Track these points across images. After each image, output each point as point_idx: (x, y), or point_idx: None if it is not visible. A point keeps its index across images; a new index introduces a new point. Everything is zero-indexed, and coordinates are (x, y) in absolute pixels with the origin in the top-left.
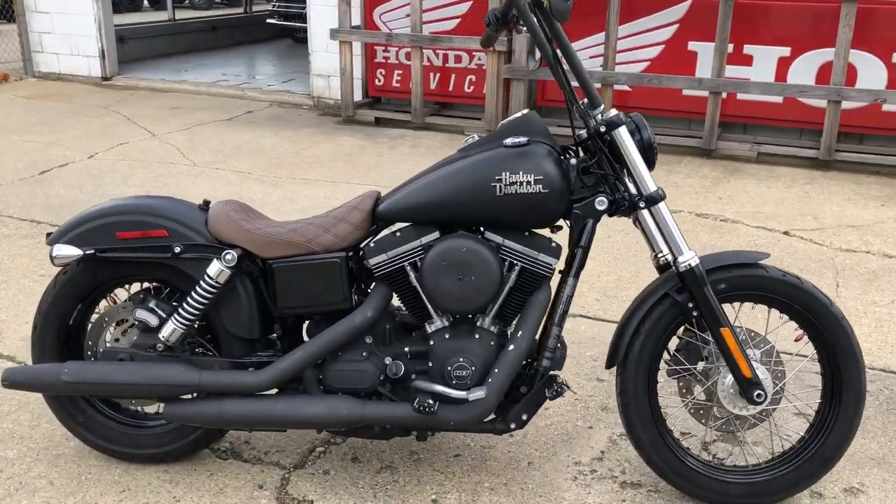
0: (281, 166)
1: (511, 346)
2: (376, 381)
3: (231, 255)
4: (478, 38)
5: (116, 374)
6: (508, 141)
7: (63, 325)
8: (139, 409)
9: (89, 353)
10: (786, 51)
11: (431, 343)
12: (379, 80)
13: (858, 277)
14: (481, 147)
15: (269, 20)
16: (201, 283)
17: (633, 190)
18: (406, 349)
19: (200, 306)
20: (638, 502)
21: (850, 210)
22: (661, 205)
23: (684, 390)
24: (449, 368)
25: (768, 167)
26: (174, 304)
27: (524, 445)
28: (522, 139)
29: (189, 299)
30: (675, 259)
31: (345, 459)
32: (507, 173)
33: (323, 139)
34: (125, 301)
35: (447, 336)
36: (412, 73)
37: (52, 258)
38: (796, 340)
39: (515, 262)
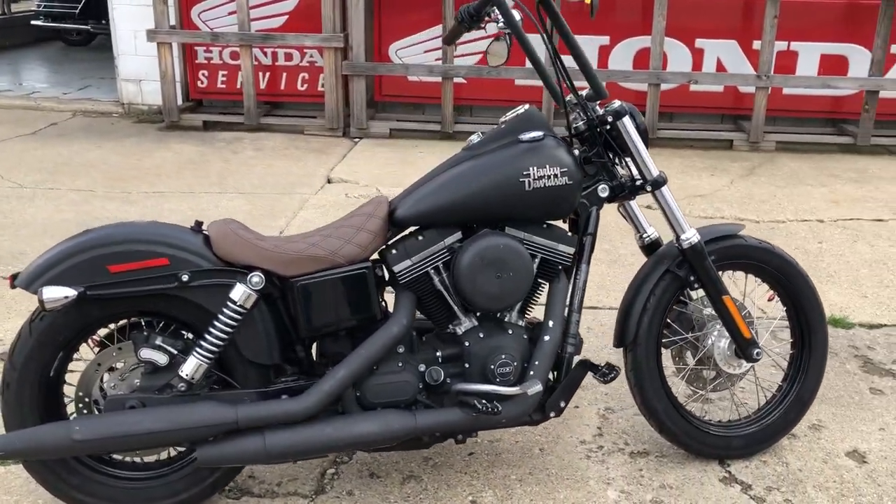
0: (123, 180)
1: (546, 337)
2: (416, 390)
3: (258, 278)
4: (312, 35)
5: (142, 424)
6: (525, 136)
7: (43, 378)
8: (138, 459)
9: (80, 405)
10: (605, 39)
11: (467, 344)
12: (202, 82)
13: None
14: (492, 144)
15: (34, 21)
16: (225, 310)
17: (635, 175)
18: (438, 354)
19: (226, 335)
20: (652, 468)
21: (689, 181)
22: (665, 187)
23: (677, 358)
24: (492, 367)
25: None
26: (185, 338)
27: (528, 434)
28: (538, 133)
29: (213, 329)
30: (678, 237)
31: (363, 477)
32: (535, 168)
33: (154, 148)
34: (120, 343)
35: (481, 335)
36: (242, 73)
37: (42, 303)
38: (769, 300)
39: (536, 254)
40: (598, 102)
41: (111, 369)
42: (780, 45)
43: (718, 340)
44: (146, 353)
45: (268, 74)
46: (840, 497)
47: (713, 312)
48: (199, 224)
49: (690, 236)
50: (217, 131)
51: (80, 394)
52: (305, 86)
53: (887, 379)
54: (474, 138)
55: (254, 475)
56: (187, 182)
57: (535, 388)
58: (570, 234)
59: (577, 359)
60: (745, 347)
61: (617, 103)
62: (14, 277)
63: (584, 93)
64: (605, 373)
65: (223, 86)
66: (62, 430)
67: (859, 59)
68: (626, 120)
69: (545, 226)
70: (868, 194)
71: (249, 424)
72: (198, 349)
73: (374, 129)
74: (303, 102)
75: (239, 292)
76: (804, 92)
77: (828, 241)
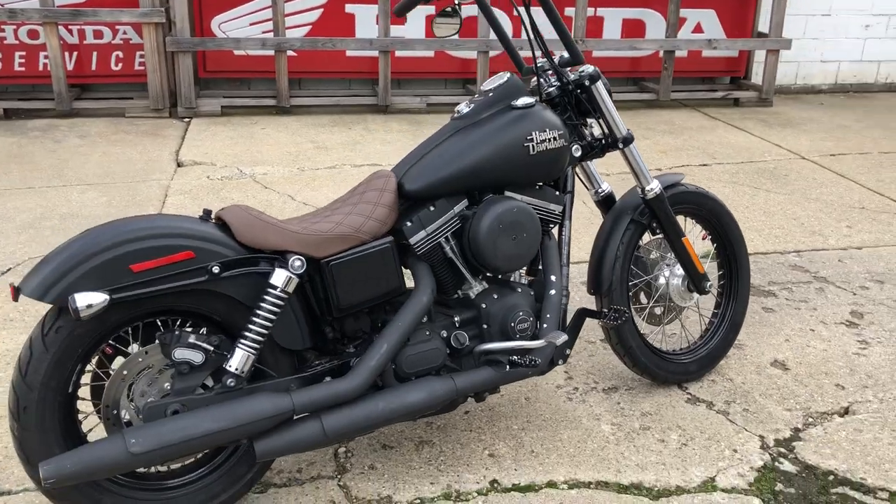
0: None
1: (552, 291)
2: (444, 356)
3: (300, 262)
4: (129, 10)
5: (201, 426)
6: (519, 102)
7: (63, 396)
8: (164, 468)
9: (108, 419)
10: (432, 9)
11: (483, 306)
12: None
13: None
14: (485, 112)
15: None
16: (267, 297)
17: (605, 134)
18: (456, 319)
19: (270, 323)
20: (627, 400)
21: None
22: (633, 144)
23: (634, 299)
24: (512, 324)
25: (442, 115)
26: (216, 333)
27: (508, 387)
28: (531, 100)
29: (256, 318)
30: (643, 188)
31: (377, 450)
32: (537, 132)
33: None
34: (147, 347)
35: (496, 297)
36: (50, 53)
37: (76, 312)
38: (703, 239)
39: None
40: (569, 68)
41: (138, 376)
42: (588, 12)
43: (672, 278)
44: (181, 353)
45: (75, 54)
46: (783, 400)
47: (659, 255)
48: (207, 213)
49: (654, 186)
50: (23, 119)
51: (107, 406)
52: (120, 65)
53: (770, 298)
54: (463, 108)
55: (271, 467)
56: (20, 177)
57: (562, 338)
58: (557, 193)
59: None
60: (698, 281)
61: (591, 68)
62: (16, 288)
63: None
64: (615, 317)
65: (21, 69)
66: (117, 444)
67: (655, 22)
68: (600, 83)
69: (537, 187)
70: (685, 143)
71: (305, 410)
72: (243, 341)
73: (203, 107)
74: (117, 83)
75: (281, 277)
76: (611, 54)
77: None
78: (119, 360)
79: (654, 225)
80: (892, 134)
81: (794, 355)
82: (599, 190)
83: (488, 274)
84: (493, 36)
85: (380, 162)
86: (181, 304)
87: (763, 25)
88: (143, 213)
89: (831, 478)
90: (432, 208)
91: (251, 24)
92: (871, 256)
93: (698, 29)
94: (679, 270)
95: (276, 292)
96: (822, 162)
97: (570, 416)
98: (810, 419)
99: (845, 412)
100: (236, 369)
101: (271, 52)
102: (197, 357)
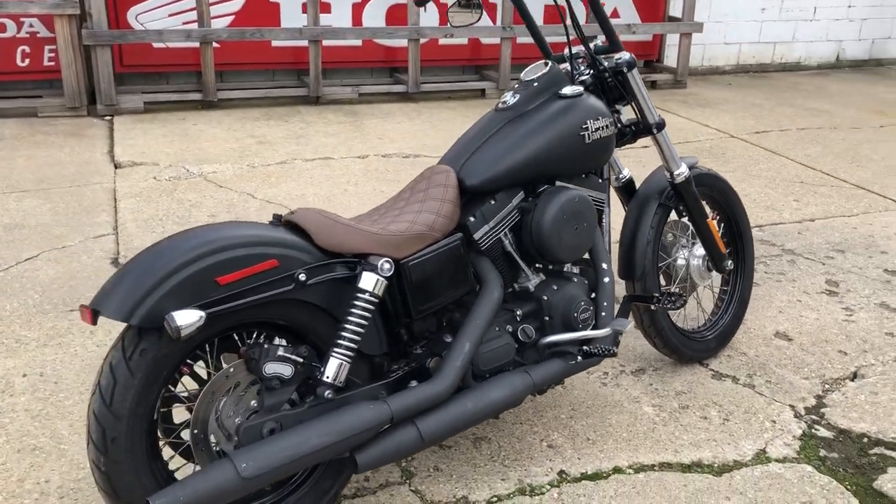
0: None
1: (606, 279)
2: (514, 351)
3: (389, 264)
4: (39, 1)
5: (308, 442)
6: (567, 91)
7: (149, 423)
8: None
9: (196, 444)
10: None
11: (545, 298)
12: None
13: None
14: (534, 102)
15: None
16: (356, 302)
17: (637, 120)
18: (517, 312)
19: (362, 329)
20: (658, 381)
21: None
22: (665, 130)
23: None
24: (574, 315)
25: (374, 105)
26: (302, 345)
27: None
28: (578, 88)
29: (347, 325)
30: (672, 172)
31: (436, 451)
32: (591, 121)
33: None
34: (232, 364)
35: (555, 288)
36: None
37: (176, 331)
38: (712, 220)
39: None
40: (602, 55)
41: (225, 396)
42: None
43: (692, 259)
44: (272, 368)
45: None
46: (797, 369)
47: (676, 237)
48: (278, 217)
49: (684, 170)
50: None
51: (195, 430)
52: (27, 61)
53: None
54: (509, 99)
55: None
56: None
57: (628, 324)
58: (601, 181)
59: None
60: (719, 261)
61: (627, 55)
62: (93, 310)
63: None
64: (674, 300)
65: None
66: (227, 470)
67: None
68: (636, 70)
69: (584, 176)
70: None
71: (403, 417)
72: (336, 349)
73: (125, 104)
74: (24, 80)
75: (371, 281)
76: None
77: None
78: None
79: (681, 208)
80: (801, 111)
81: (792, 326)
82: (620, 175)
83: (542, 266)
84: (424, 23)
85: (331, 155)
86: (262, 316)
87: (674, 10)
88: (97, 218)
89: (865, 440)
90: (493, 202)
91: (170, 15)
92: (825, 228)
93: (615, 14)
94: (698, 251)
95: (367, 297)
96: (751, 140)
97: (611, 401)
98: (827, 386)
99: (854, 376)
100: (331, 379)
101: (196, 45)
102: (287, 371)
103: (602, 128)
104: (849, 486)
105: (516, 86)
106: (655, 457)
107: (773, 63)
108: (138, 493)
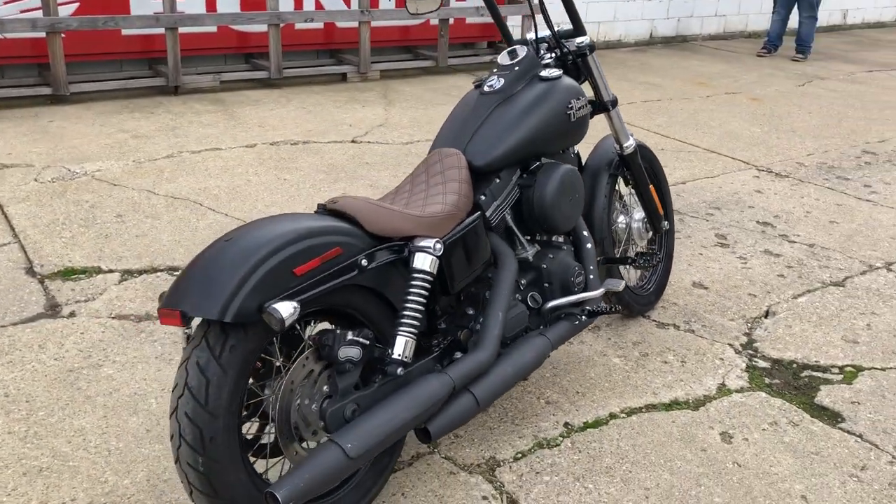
0: None
1: (588, 245)
2: (527, 318)
3: (440, 244)
4: None
5: (397, 417)
6: (546, 74)
7: (239, 418)
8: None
9: (282, 433)
10: None
11: (545, 267)
12: None
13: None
14: (519, 85)
15: None
16: (414, 282)
17: (595, 98)
18: (521, 282)
19: (422, 306)
20: (614, 335)
21: (341, 115)
22: (618, 107)
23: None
24: (571, 279)
25: (238, 93)
26: (363, 327)
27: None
28: (557, 71)
29: (408, 304)
30: (622, 144)
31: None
32: (574, 100)
33: None
34: (304, 354)
35: (551, 257)
36: None
37: (280, 323)
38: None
39: None
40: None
41: (302, 384)
42: None
43: (633, 223)
44: (345, 352)
45: None
46: (722, 313)
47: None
48: (323, 207)
49: (632, 143)
50: None
51: (282, 420)
52: None
53: None
54: (494, 82)
55: None
56: None
57: (621, 284)
58: (573, 154)
59: None
60: (658, 222)
61: (588, 39)
62: (182, 312)
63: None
64: (648, 258)
65: None
66: (335, 452)
67: None
68: (594, 53)
69: (561, 152)
70: None
71: (461, 386)
72: (401, 328)
73: None
74: None
75: (426, 261)
76: (385, 23)
77: None
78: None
79: (628, 176)
80: (637, 85)
81: (703, 276)
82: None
83: (537, 238)
84: (283, 7)
85: (217, 146)
86: (326, 303)
87: None
88: None
89: (795, 366)
90: (498, 180)
91: (6, 3)
92: (696, 189)
93: None
94: (637, 214)
95: (424, 276)
96: None
97: (584, 357)
98: (750, 325)
99: (767, 314)
100: (401, 356)
101: (42, 35)
102: (356, 354)
103: (582, 106)
104: (798, 405)
105: (495, 70)
106: (640, 400)
107: (599, 41)
108: (237, 489)
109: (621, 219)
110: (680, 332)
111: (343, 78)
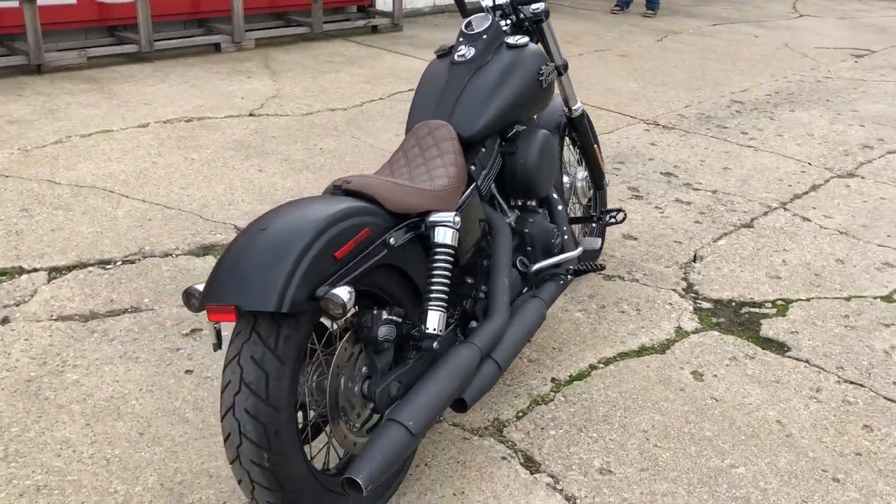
0: None
1: (559, 207)
2: (521, 281)
3: (458, 217)
4: None
5: (445, 390)
6: (513, 41)
7: (295, 409)
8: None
9: (333, 419)
10: None
11: (527, 231)
12: None
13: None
14: (489, 54)
15: None
16: (438, 256)
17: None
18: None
19: (448, 280)
20: (567, 290)
21: (228, 87)
22: (567, 71)
23: None
24: (553, 241)
25: (109, 69)
26: (392, 305)
27: None
28: (524, 38)
29: (435, 279)
30: (570, 108)
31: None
32: (543, 66)
33: None
34: (346, 338)
35: (531, 221)
36: None
37: (342, 307)
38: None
39: None
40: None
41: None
42: None
43: (576, 181)
44: (383, 332)
45: None
46: (657, 261)
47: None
48: (338, 188)
49: (580, 106)
50: None
51: (334, 405)
52: None
53: None
54: (465, 52)
55: None
56: None
57: (597, 242)
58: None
59: None
60: (600, 180)
61: (543, 5)
62: (236, 307)
63: None
64: (615, 215)
65: None
66: (399, 431)
67: None
68: (549, 19)
69: (529, 119)
70: (376, 71)
71: (486, 352)
72: (431, 303)
73: None
74: None
75: (448, 235)
76: None
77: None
78: None
79: (575, 137)
80: None
81: (630, 228)
82: None
83: (517, 204)
84: None
85: (108, 128)
86: (365, 281)
87: None
88: None
89: (734, 304)
90: (483, 149)
91: None
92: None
93: None
94: (580, 174)
95: (447, 250)
96: None
97: (549, 314)
98: (684, 270)
99: (695, 258)
100: (436, 330)
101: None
102: (392, 333)
103: (550, 72)
104: (747, 339)
105: (461, 39)
106: (612, 350)
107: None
108: (301, 480)
109: (565, 178)
110: (626, 283)
111: (217, 48)
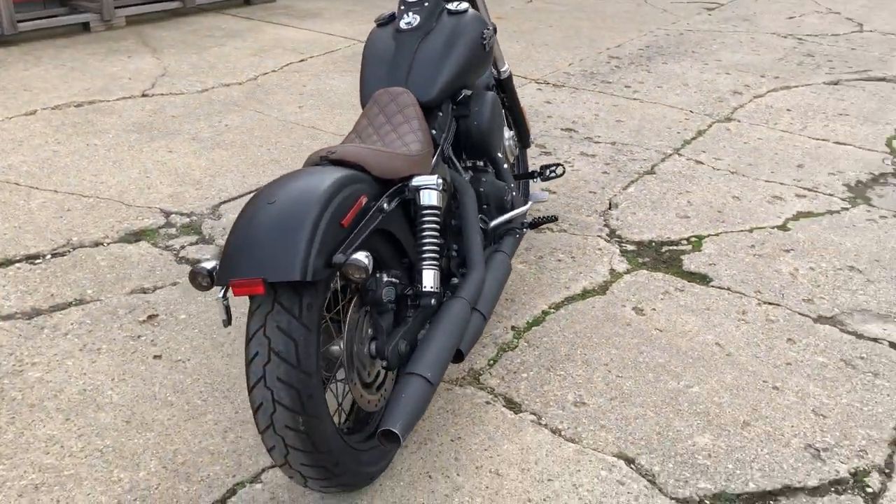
0: None
1: (505, 165)
2: (484, 237)
3: (440, 179)
4: None
5: (449, 342)
6: (454, 7)
7: (321, 372)
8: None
9: (352, 381)
10: None
11: (482, 190)
12: None
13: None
14: (432, 21)
15: None
16: (426, 218)
17: None
18: None
19: (437, 239)
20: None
21: (134, 65)
22: (496, 34)
23: None
24: (506, 198)
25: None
26: (390, 268)
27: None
28: (465, 4)
29: (425, 239)
30: (499, 70)
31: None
32: (485, 30)
33: None
34: (353, 302)
35: (484, 180)
36: None
37: (365, 270)
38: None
39: None
40: None
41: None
42: None
43: (505, 141)
44: (386, 294)
45: None
46: (578, 210)
47: None
48: (326, 159)
49: (507, 68)
50: None
51: (349, 366)
52: None
53: None
54: (411, 20)
55: None
56: None
57: (544, 195)
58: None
59: None
60: (526, 138)
61: None
62: (264, 280)
63: None
64: (554, 169)
65: None
66: (420, 382)
67: None
68: None
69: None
70: (262, 44)
71: (473, 305)
72: (424, 262)
73: None
74: None
75: (434, 197)
76: None
77: (313, 76)
78: None
79: (503, 97)
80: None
81: (548, 183)
82: None
83: (468, 165)
84: None
85: (47, 104)
86: (365, 249)
87: None
88: None
89: (654, 244)
90: (440, 114)
91: None
92: None
93: None
94: (507, 133)
95: (434, 211)
96: None
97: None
98: (604, 217)
99: (610, 206)
100: (433, 287)
101: None
102: (392, 294)
103: (491, 36)
104: (674, 275)
105: (402, 7)
106: (559, 296)
107: None
108: (332, 440)
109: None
110: (556, 234)
111: (85, 28)
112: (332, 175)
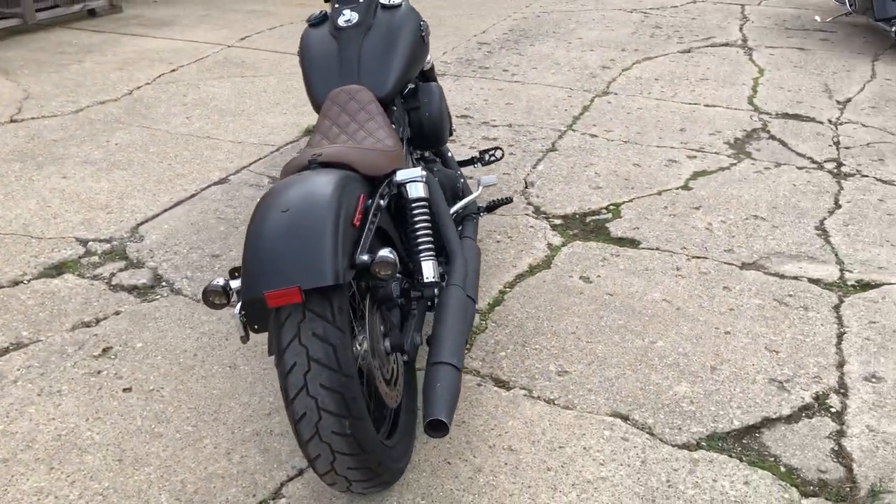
0: None
1: (449, 154)
2: None
3: (424, 171)
4: None
5: (463, 328)
6: (384, 1)
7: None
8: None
9: (383, 376)
10: None
11: (437, 179)
12: None
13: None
14: (370, 17)
15: None
16: (416, 210)
17: None
18: None
19: (430, 230)
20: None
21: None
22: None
23: None
24: (458, 185)
25: None
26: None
27: None
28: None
29: (418, 230)
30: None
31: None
32: (421, 23)
33: None
34: (368, 301)
35: (436, 169)
36: None
37: (393, 265)
38: None
39: None
40: None
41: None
42: None
43: None
44: (395, 290)
45: None
46: (500, 193)
47: None
48: (315, 162)
49: (430, 59)
50: None
51: (383, 364)
52: None
53: None
54: (350, 16)
55: None
56: None
57: (494, 178)
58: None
59: None
60: (451, 127)
61: None
62: (300, 287)
63: None
64: (493, 153)
65: None
66: (449, 371)
67: None
68: None
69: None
70: (127, 57)
71: (469, 291)
72: (422, 254)
73: None
74: None
75: (421, 189)
76: None
77: (211, 87)
78: None
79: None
80: (246, 15)
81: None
82: None
83: (420, 156)
84: None
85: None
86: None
87: None
88: None
89: (576, 216)
90: (395, 108)
91: None
92: None
93: None
94: None
95: (423, 202)
96: (247, 46)
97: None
98: (525, 196)
99: (526, 185)
100: (434, 277)
101: None
102: (398, 289)
103: (427, 27)
104: (605, 242)
105: (337, 6)
106: (509, 275)
107: None
108: (374, 440)
109: None
110: (488, 216)
111: (93, 14)
112: (332, 177)
